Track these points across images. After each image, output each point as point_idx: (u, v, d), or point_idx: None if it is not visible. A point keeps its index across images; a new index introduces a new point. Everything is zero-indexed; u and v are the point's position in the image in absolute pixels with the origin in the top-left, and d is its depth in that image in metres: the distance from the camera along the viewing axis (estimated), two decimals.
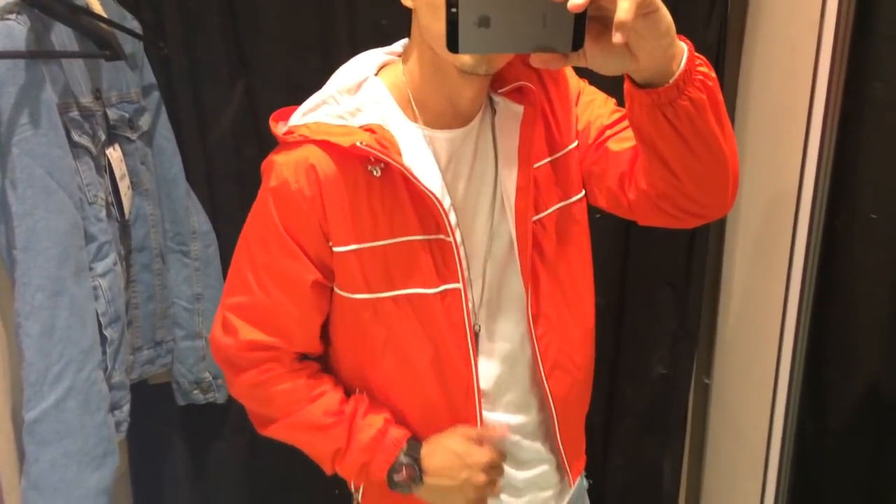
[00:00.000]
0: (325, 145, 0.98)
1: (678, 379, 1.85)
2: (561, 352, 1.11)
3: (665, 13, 0.77)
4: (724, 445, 1.83)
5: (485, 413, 1.08)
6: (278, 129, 1.04)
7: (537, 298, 1.07)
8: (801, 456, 1.47)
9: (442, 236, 1.01)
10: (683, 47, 0.83)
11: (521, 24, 0.76)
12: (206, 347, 1.72)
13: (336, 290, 1.05)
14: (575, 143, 1.09)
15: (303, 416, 1.07)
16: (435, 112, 1.02)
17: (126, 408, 1.41)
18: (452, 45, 0.77)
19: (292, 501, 1.94)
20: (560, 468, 1.16)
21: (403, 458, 1.05)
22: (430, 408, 1.07)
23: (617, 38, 0.72)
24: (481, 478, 1.04)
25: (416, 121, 1.02)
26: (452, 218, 1.02)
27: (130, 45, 1.51)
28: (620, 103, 1.07)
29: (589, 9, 0.73)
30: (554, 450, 1.15)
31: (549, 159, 1.07)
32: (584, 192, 1.11)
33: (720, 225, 1.77)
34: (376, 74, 1.05)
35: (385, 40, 1.10)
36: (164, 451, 1.85)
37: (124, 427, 1.40)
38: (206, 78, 1.64)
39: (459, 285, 1.02)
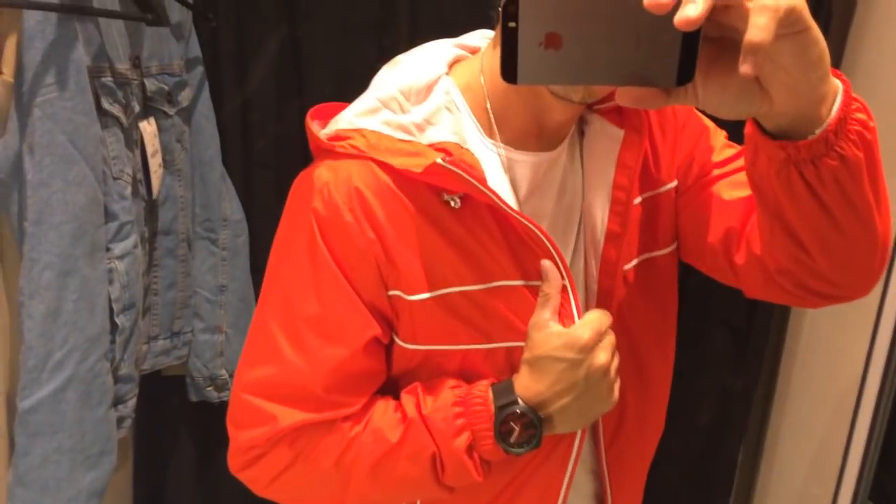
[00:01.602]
0: (387, 167, 0.77)
1: (728, 435, 1.69)
2: (626, 430, 0.93)
3: (817, 34, 0.55)
4: None
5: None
6: (319, 130, 0.82)
7: None
8: None
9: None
10: (837, 85, 0.61)
11: (605, 47, 0.56)
12: (226, 343, 1.61)
13: (401, 342, 0.82)
14: (674, 183, 0.89)
15: (365, 448, 0.80)
16: (518, 129, 0.81)
17: (131, 403, 1.30)
18: (509, 72, 0.57)
19: None
20: None
21: (503, 412, 0.77)
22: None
23: (746, 67, 0.50)
24: (604, 357, 0.78)
25: (493, 137, 0.81)
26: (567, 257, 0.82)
27: (178, 14, 1.41)
28: (733, 137, 0.89)
29: (704, 26, 0.51)
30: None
31: (640, 198, 0.87)
32: (675, 244, 0.92)
33: None
34: (447, 73, 0.83)
35: (450, 30, 0.92)
36: (170, 448, 1.75)
37: (127, 423, 1.29)
38: (253, 58, 1.53)
39: None
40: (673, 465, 1.70)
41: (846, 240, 0.71)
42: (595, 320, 0.80)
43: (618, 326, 0.86)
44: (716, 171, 0.87)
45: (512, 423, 0.77)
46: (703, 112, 0.70)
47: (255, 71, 1.54)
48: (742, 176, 0.83)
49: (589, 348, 0.78)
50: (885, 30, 1.36)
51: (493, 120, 0.81)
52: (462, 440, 0.78)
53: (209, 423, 1.72)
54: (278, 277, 0.83)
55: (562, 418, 0.79)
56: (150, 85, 1.34)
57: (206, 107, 1.51)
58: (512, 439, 0.78)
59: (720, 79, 0.57)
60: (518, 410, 0.77)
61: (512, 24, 0.55)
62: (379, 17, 1.50)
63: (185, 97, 1.44)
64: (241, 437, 0.82)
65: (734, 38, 0.53)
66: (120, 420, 1.26)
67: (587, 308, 0.87)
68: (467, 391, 0.80)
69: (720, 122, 0.88)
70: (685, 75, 0.55)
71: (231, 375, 1.63)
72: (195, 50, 1.49)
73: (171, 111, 1.41)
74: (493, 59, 0.80)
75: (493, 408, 0.78)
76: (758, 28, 0.50)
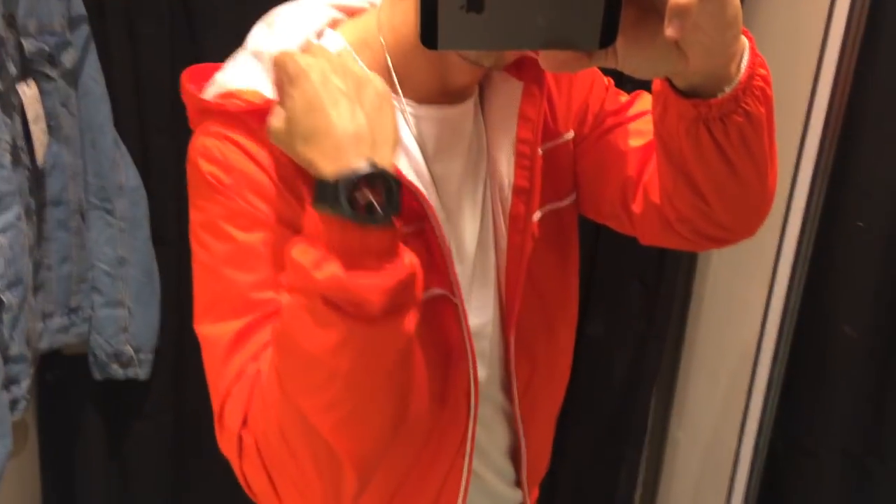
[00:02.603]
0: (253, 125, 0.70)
1: (641, 383, 1.74)
2: (537, 381, 0.92)
3: None
4: (686, 459, 1.73)
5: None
6: (207, 92, 0.74)
7: (520, 321, 0.87)
8: (772, 478, 1.37)
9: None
10: (745, 42, 0.63)
11: (529, 11, 0.54)
12: (129, 317, 1.54)
13: None
14: (571, 134, 0.88)
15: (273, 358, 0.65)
16: (422, 87, 0.77)
17: (25, 384, 1.23)
18: (428, 36, 0.55)
19: (217, 488, 1.78)
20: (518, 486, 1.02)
21: (343, 204, 0.58)
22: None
23: (672, 30, 0.52)
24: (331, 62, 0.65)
25: (395, 93, 0.76)
26: (441, 215, 0.77)
27: None
28: (619, 86, 0.90)
29: None
30: (517, 469, 0.99)
31: (541, 150, 0.85)
32: (575, 194, 0.91)
33: None
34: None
35: None
36: (77, 430, 1.68)
37: (22, 405, 1.23)
38: (143, 15, 1.45)
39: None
40: (589, 415, 1.75)
41: (744, 189, 0.73)
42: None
43: (528, 281, 0.85)
44: (611, 120, 0.87)
45: (361, 197, 0.59)
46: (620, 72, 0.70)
47: (145, 29, 1.46)
48: (637, 124, 0.84)
49: (296, 68, 0.64)
50: None
51: (395, 77, 0.77)
52: (328, 267, 0.59)
53: (116, 401, 1.66)
54: (209, 270, 0.72)
55: (316, 138, 0.62)
56: (29, 45, 1.26)
57: (93, 68, 1.43)
58: (372, 205, 0.60)
59: (641, 41, 0.58)
60: (353, 182, 0.59)
61: None
62: None
63: (68, 58, 1.36)
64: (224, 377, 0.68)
65: (654, 0, 0.54)
66: (14, 402, 1.20)
67: (499, 269, 0.86)
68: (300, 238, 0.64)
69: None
70: (608, 38, 0.55)
71: (136, 350, 1.57)
72: (79, 8, 1.40)
73: (54, 73, 1.32)
74: (393, 16, 0.76)
75: (331, 212, 0.59)
76: None
